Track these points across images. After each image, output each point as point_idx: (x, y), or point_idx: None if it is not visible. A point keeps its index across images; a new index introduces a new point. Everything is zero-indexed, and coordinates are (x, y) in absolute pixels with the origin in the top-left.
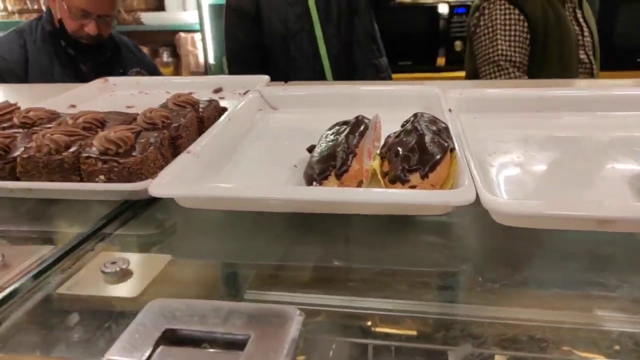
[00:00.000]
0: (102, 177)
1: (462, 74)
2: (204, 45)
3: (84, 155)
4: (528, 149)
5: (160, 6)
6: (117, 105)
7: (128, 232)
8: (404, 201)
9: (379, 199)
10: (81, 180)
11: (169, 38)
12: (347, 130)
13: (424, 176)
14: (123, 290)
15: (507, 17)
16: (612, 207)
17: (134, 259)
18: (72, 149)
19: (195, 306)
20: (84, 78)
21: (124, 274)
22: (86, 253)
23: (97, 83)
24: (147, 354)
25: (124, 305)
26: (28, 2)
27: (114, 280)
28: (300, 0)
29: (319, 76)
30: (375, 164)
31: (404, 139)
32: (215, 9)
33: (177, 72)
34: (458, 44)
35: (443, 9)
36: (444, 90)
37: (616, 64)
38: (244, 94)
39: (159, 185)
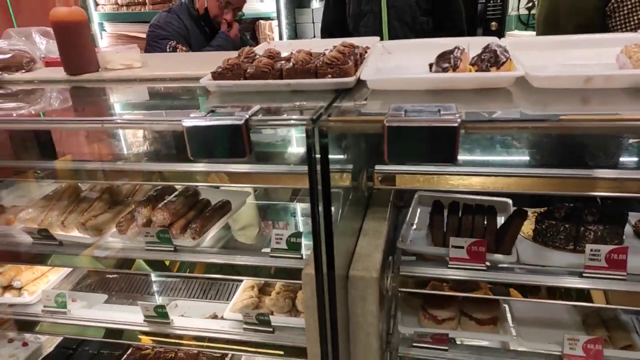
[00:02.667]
0: (329, 76)
1: None
2: (279, 30)
3: (320, 64)
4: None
5: None
6: None
7: (344, 104)
8: (494, 76)
9: (483, 76)
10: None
11: (249, 25)
12: (454, 50)
13: (498, 68)
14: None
15: None
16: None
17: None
18: (312, 63)
19: None
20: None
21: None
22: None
23: (264, 45)
24: None
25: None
26: None
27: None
28: None
29: None
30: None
31: (484, 54)
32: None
33: None
34: (494, 25)
35: None
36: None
37: None
38: None
39: (369, 77)
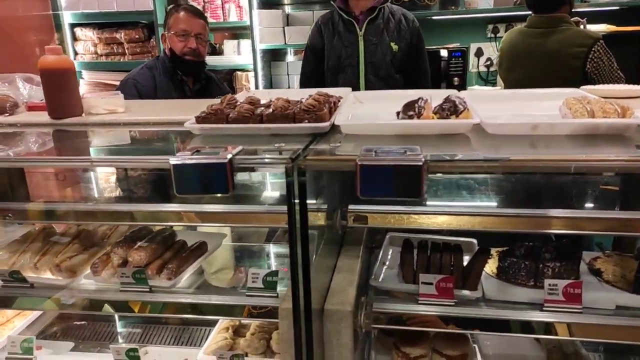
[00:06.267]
0: (306, 121)
1: None
2: (255, 81)
3: (298, 110)
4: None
5: (219, 51)
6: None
7: (319, 146)
8: (454, 123)
9: (443, 123)
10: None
11: (226, 75)
12: (419, 100)
13: (457, 116)
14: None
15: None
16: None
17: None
18: (290, 109)
19: None
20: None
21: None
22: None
23: (244, 93)
24: None
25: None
26: (114, 47)
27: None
28: (353, 44)
29: None
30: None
31: (445, 104)
32: (265, 53)
33: None
34: (456, 80)
35: (444, 53)
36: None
37: None
38: None
39: (343, 122)
